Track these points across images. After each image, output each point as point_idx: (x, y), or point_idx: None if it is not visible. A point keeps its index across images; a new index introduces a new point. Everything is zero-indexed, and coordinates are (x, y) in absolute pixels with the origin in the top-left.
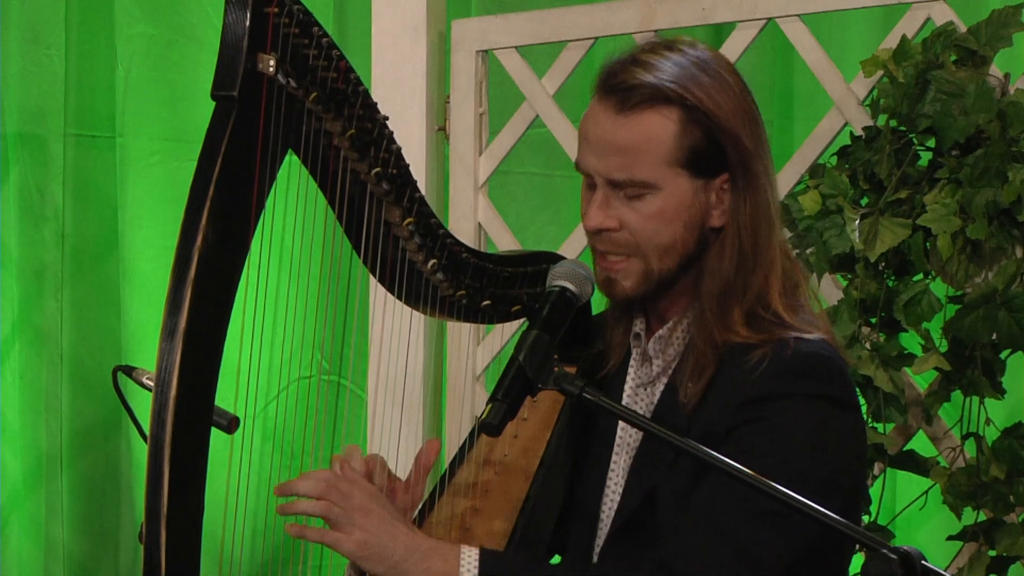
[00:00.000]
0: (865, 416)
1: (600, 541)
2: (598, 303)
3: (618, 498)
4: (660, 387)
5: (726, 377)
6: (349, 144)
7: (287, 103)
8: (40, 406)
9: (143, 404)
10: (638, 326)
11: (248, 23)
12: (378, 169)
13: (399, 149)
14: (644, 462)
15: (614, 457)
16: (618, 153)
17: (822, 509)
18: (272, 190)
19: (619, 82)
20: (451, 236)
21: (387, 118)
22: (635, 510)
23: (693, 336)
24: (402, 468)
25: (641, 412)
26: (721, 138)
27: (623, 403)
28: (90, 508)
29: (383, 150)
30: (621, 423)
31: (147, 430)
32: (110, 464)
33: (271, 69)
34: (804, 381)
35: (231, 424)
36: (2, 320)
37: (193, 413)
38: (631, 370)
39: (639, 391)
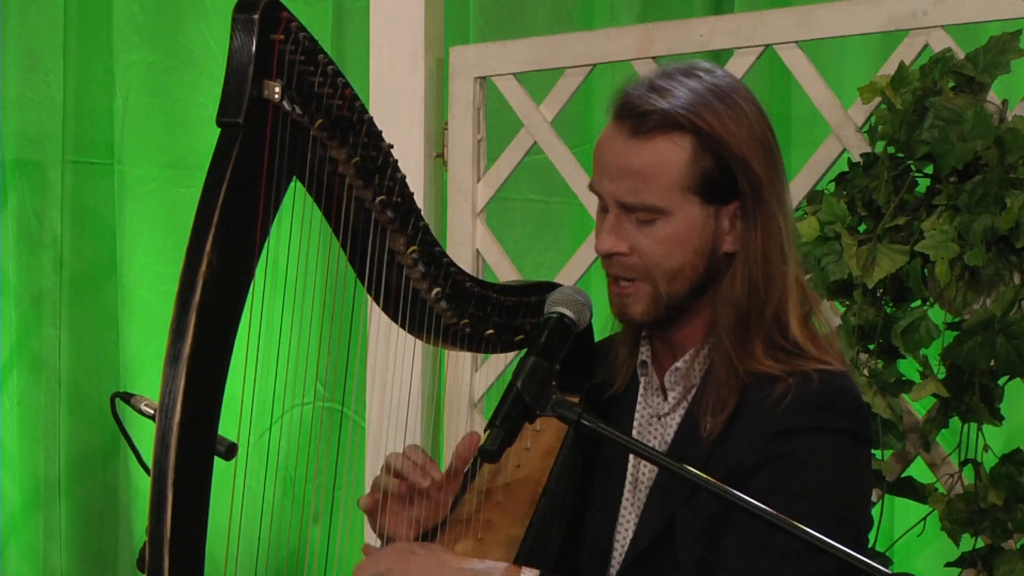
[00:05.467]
0: None
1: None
2: (600, 330)
3: (631, 531)
4: (676, 419)
5: (750, 409)
6: (354, 172)
7: (292, 130)
8: (38, 432)
9: (141, 431)
10: (644, 354)
11: (254, 49)
12: (383, 197)
13: (403, 177)
14: (659, 495)
15: (627, 489)
16: (630, 177)
17: (839, 546)
18: (276, 217)
19: (634, 107)
20: (455, 265)
21: (391, 146)
22: (649, 544)
23: (713, 366)
24: None
25: (655, 444)
26: (732, 165)
27: (633, 434)
28: (88, 534)
29: (388, 178)
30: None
31: (145, 457)
32: (108, 490)
33: (277, 96)
34: (829, 414)
35: (229, 451)
36: (0, 346)
37: (196, 439)
38: (640, 399)
39: (653, 422)
